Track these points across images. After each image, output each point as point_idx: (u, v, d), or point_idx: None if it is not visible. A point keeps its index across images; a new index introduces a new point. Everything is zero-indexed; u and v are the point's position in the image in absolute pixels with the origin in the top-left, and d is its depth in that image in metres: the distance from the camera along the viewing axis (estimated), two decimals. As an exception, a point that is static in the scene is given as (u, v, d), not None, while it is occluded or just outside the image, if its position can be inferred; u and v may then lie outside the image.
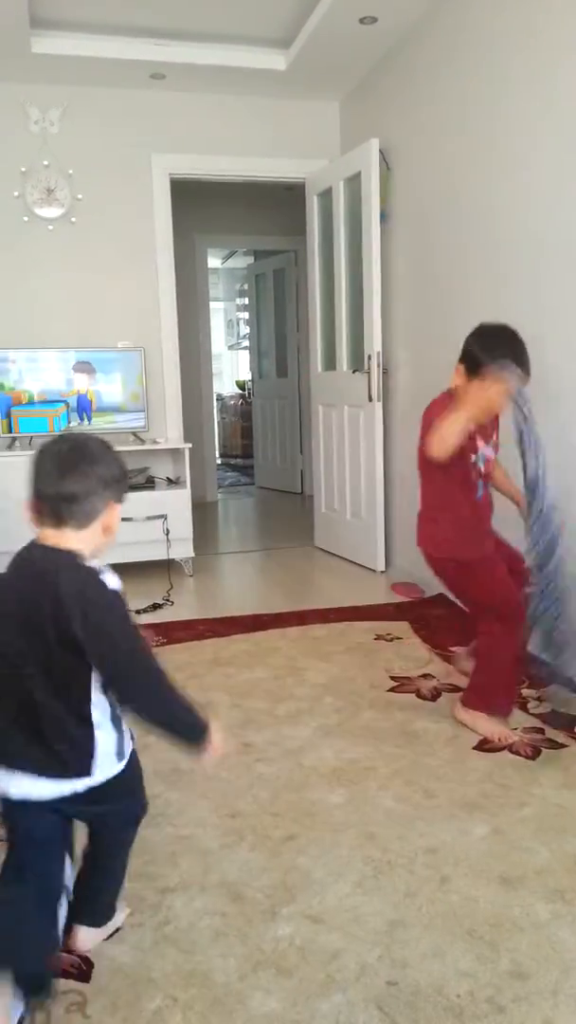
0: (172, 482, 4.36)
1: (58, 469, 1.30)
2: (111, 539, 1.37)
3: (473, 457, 2.31)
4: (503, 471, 2.49)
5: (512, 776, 2.06)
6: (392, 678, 2.74)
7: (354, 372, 4.24)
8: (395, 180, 3.95)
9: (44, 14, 3.65)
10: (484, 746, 2.23)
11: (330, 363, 4.58)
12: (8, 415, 4.14)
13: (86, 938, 1.47)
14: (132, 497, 3.95)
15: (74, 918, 1.45)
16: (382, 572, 4.16)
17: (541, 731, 2.31)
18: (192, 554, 4.27)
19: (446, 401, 2.27)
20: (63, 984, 1.39)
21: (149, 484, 4.22)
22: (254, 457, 7.89)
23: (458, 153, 3.34)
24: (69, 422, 4.24)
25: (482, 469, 2.35)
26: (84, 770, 1.33)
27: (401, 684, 2.69)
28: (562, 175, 2.66)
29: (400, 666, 2.86)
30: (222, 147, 4.50)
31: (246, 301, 8.88)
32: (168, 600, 3.78)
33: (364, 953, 1.45)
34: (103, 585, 1.31)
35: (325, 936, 1.50)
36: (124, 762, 1.39)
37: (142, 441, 4.35)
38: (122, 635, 1.30)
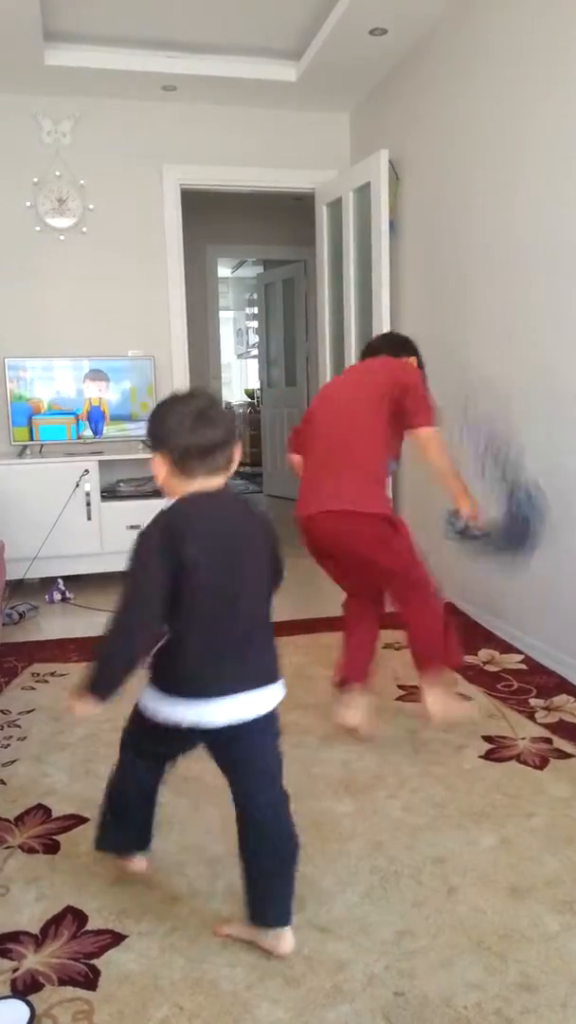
0: (181, 490, 4.37)
1: (209, 422, 1.42)
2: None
3: None
4: None
5: (520, 786, 2.05)
6: (400, 687, 2.74)
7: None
8: (404, 190, 3.97)
9: (57, 27, 3.69)
10: (492, 756, 2.22)
11: (339, 372, 4.58)
12: (29, 423, 4.19)
13: None
14: (142, 505, 4.00)
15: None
16: (390, 581, 4.15)
17: (549, 741, 2.30)
18: (200, 562, 4.26)
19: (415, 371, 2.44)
20: (70, 992, 1.39)
21: (158, 493, 4.23)
22: (263, 465, 7.91)
23: (468, 163, 3.35)
24: (83, 431, 4.27)
25: None
26: (276, 677, 1.51)
27: (409, 693, 2.68)
28: (571, 184, 2.67)
29: (408, 675, 2.84)
30: (232, 158, 4.52)
31: (255, 310, 8.91)
32: (176, 608, 3.78)
33: (371, 963, 1.44)
34: None
35: (332, 946, 1.49)
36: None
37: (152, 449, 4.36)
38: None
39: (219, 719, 1.42)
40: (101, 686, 1.42)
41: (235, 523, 1.48)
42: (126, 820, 1.65)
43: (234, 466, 1.49)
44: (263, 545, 1.51)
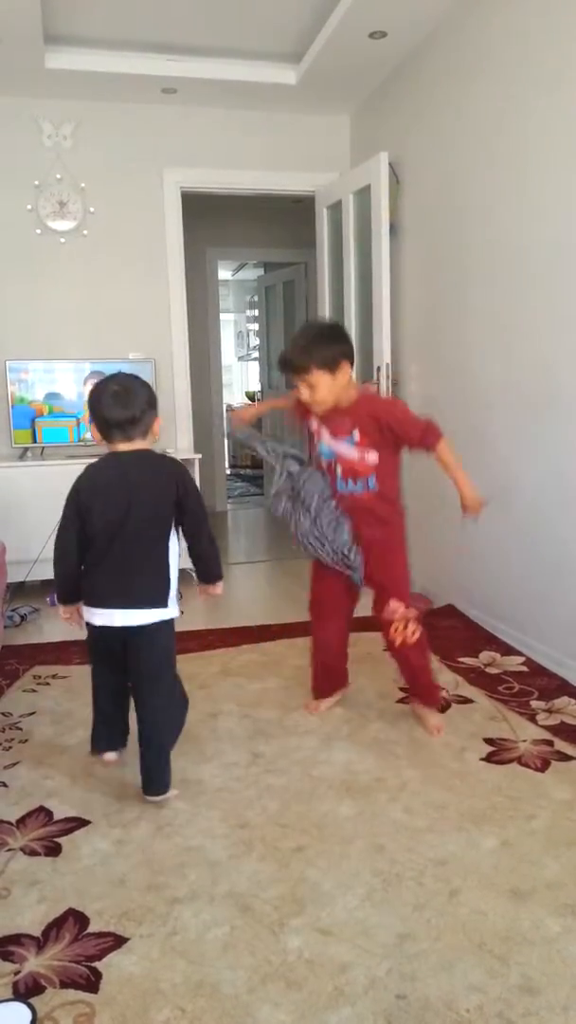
0: (182, 492, 4.38)
1: (120, 402, 1.93)
2: (156, 438, 2.06)
3: (317, 447, 2.49)
4: (446, 463, 2.35)
5: (521, 788, 2.05)
6: (401, 689, 2.73)
7: (364, 383, 4.25)
8: (404, 193, 3.97)
9: (58, 30, 3.69)
10: (493, 758, 2.22)
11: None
12: (32, 426, 4.21)
13: None
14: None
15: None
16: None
17: (550, 743, 2.30)
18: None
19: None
20: (72, 995, 1.39)
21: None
22: (264, 468, 7.91)
23: (467, 166, 3.35)
24: (85, 433, 4.28)
25: (324, 463, 2.45)
26: (163, 602, 2.01)
27: (410, 695, 2.68)
28: (571, 187, 2.67)
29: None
30: (233, 160, 4.53)
31: (256, 313, 8.91)
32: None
33: (373, 966, 1.44)
34: (183, 464, 2.09)
35: (334, 948, 1.49)
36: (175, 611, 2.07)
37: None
38: (198, 492, 2.07)
39: (115, 622, 1.99)
40: (60, 592, 2.08)
41: (130, 478, 1.95)
42: (107, 720, 2.15)
43: (153, 434, 2.01)
44: (161, 494, 1.97)
